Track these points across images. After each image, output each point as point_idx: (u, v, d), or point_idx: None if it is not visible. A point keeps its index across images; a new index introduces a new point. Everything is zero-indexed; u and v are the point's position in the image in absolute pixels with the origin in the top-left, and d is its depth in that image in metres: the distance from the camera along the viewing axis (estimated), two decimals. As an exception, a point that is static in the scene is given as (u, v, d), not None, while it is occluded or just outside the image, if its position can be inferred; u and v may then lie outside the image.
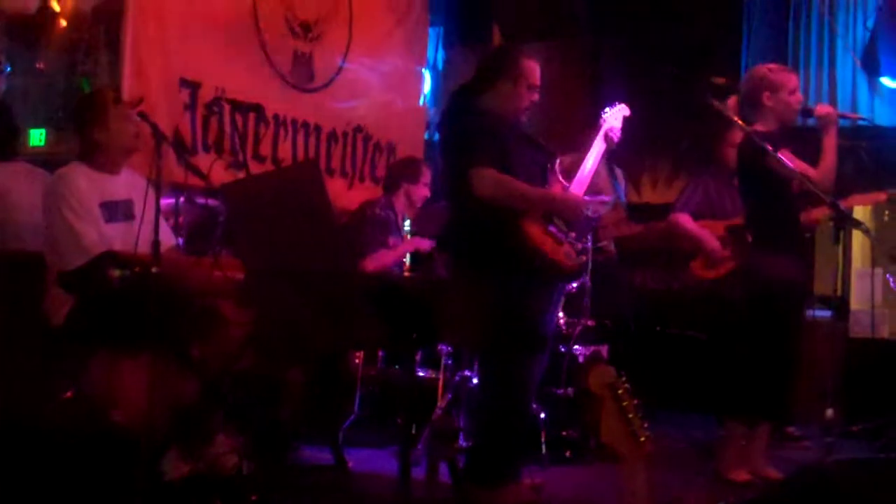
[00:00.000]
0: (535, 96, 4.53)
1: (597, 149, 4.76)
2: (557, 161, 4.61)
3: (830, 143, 4.97)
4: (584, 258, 4.43)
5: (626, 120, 4.86)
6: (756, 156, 4.92)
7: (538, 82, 4.52)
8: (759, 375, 5.06)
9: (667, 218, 6.33)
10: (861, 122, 5.93)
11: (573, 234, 4.42)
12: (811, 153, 5.02)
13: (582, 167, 4.66)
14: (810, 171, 4.92)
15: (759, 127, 5.05)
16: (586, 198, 4.55)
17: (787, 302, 5.07)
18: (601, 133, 4.82)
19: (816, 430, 5.64)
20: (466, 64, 8.29)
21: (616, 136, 4.81)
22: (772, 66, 5.27)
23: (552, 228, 4.39)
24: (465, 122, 4.43)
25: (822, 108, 5.12)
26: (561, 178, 4.57)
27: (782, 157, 4.83)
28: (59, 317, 4.15)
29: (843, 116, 5.25)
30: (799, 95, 5.15)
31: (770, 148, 4.83)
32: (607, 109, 4.90)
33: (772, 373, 5.05)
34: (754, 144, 4.91)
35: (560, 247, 4.37)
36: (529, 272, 4.29)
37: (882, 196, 6.12)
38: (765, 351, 5.06)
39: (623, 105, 4.90)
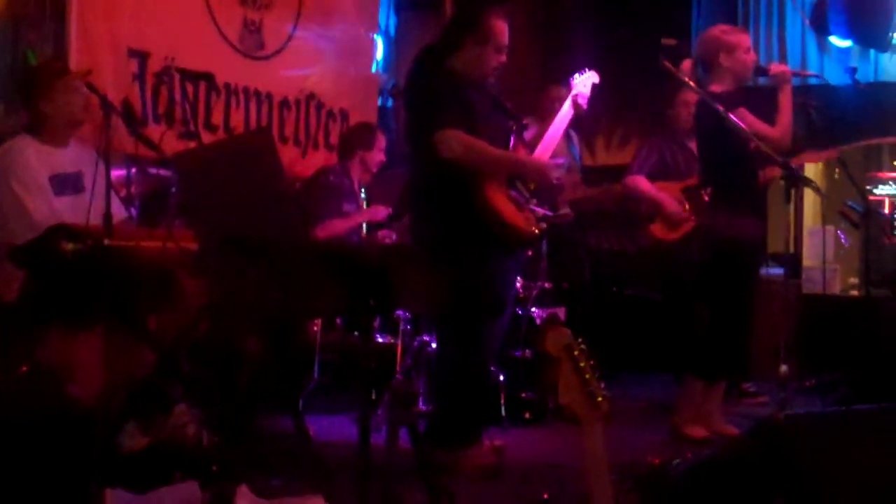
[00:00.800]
0: (503, 58, 4.48)
1: (564, 114, 4.77)
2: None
3: (786, 100, 5.04)
4: (543, 225, 4.43)
5: (594, 86, 4.88)
6: (713, 117, 4.96)
7: (506, 43, 4.46)
8: (716, 333, 5.13)
9: (622, 181, 6.36)
10: (814, 80, 5.98)
11: (534, 201, 4.43)
12: (764, 112, 5.06)
13: (549, 132, 4.68)
14: (769, 130, 4.98)
15: (715, 88, 5.09)
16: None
17: (744, 261, 5.15)
18: (569, 99, 4.83)
19: (772, 385, 5.72)
20: (419, 29, 8.26)
21: (584, 102, 4.83)
22: (724, 27, 5.33)
23: (514, 193, 4.39)
24: (431, 82, 4.38)
25: (776, 67, 5.21)
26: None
27: (736, 118, 4.87)
28: (10, 292, 4.10)
29: (796, 74, 5.33)
30: (753, 55, 5.22)
31: (723, 109, 4.87)
32: (577, 75, 4.92)
33: (729, 330, 5.12)
34: (709, 107, 4.95)
35: (521, 213, 4.37)
36: (489, 237, 4.29)
37: (834, 153, 6.19)
38: (722, 309, 5.13)
39: (593, 72, 4.92)
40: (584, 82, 4.88)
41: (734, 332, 5.16)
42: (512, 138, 4.50)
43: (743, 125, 4.88)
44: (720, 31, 5.25)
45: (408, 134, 4.70)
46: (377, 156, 6.12)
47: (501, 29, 4.44)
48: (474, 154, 4.23)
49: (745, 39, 5.24)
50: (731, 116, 4.84)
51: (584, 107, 4.81)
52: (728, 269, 5.13)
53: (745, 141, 4.95)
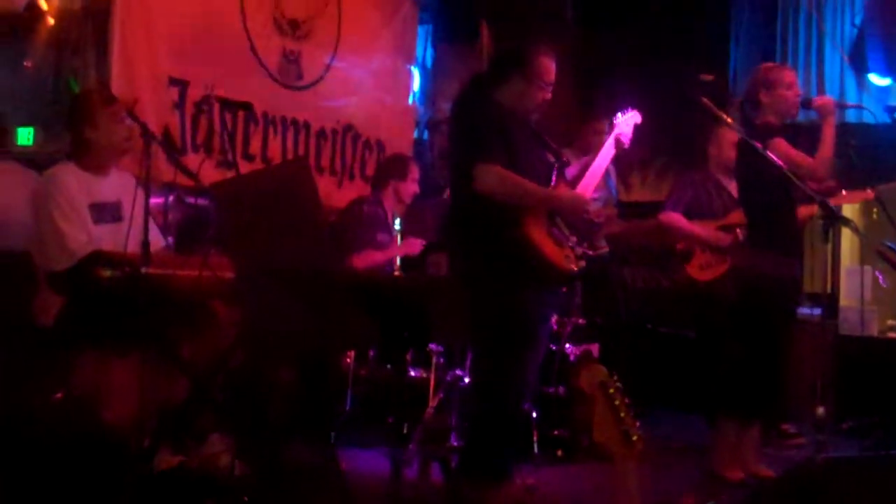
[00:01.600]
0: (548, 94, 4.49)
1: (606, 152, 4.77)
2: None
3: (829, 132, 5.02)
4: (583, 263, 4.41)
5: (635, 126, 4.88)
6: (750, 154, 4.94)
7: (552, 80, 4.46)
8: (749, 374, 5.08)
9: (657, 216, 6.33)
10: (853, 115, 5.95)
11: (574, 238, 4.41)
12: (809, 148, 5.06)
13: (591, 170, 4.67)
14: (805, 159, 4.98)
15: (756, 122, 5.09)
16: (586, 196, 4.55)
17: (777, 301, 5.10)
18: (612, 138, 4.83)
19: (809, 427, 5.65)
20: (455, 62, 8.30)
21: (627, 142, 4.83)
22: (769, 64, 5.40)
23: (554, 230, 4.37)
24: (475, 114, 4.38)
25: (820, 99, 5.21)
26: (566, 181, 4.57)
27: (772, 149, 4.86)
28: (48, 317, 4.13)
29: (840, 106, 5.34)
30: (797, 90, 5.21)
31: (760, 143, 4.85)
32: (619, 115, 4.91)
33: (762, 371, 5.07)
34: (747, 144, 4.94)
35: (560, 249, 4.35)
36: (527, 272, 4.27)
37: (869, 194, 6.14)
38: (756, 349, 5.09)
39: (635, 112, 4.91)
40: (627, 122, 4.87)
41: (768, 372, 5.10)
42: (553, 174, 4.48)
43: (779, 156, 4.87)
44: (764, 67, 5.29)
45: (450, 164, 4.69)
46: (410, 187, 6.12)
47: (548, 66, 4.44)
48: (511, 189, 4.21)
49: (788, 76, 5.23)
50: (769, 152, 4.82)
51: (626, 146, 4.80)
52: (761, 308, 5.09)
53: (783, 179, 4.92)
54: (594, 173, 4.70)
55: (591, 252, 4.83)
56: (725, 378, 5.27)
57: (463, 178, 4.27)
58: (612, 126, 4.88)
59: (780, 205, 5.09)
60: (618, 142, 4.80)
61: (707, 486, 4.90)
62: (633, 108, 4.95)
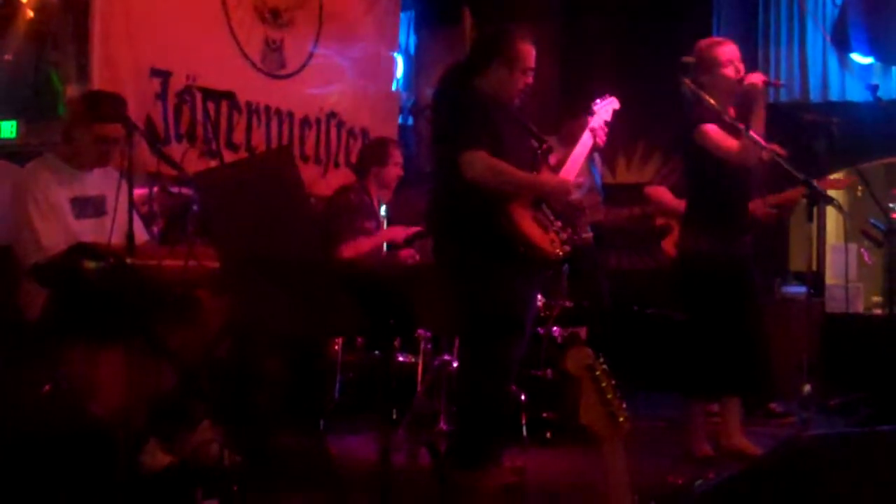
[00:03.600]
0: (529, 80, 4.48)
1: (585, 141, 4.77)
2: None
3: (759, 113, 4.87)
4: (568, 248, 4.42)
5: (614, 112, 4.87)
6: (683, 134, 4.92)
7: (533, 66, 4.46)
8: (705, 350, 5.08)
9: (645, 189, 6.35)
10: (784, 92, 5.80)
11: (559, 223, 4.42)
12: (783, 130, 5.04)
13: (572, 157, 4.67)
14: (727, 148, 4.88)
15: (693, 109, 5.01)
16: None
17: (719, 278, 5.04)
18: (591, 125, 4.83)
19: (795, 405, 5.68)
20: (438, 48, 8.29)
21: (604, 132, 4.82)
22: (705, 42, 5.16)
23: (539, 215, 4.38)
24: (458, 101, 4.38)
25: (750, 77, 4.97)
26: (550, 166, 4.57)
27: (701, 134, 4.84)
28: (33, 310, 4.12)
29: (768, 84, 5.03)
30: (737, 66, 4.99)
31: (742, 126, 4.84)
32: (598, 101, 4.90)
33: (721, 346, 5.04)
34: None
35: (546, 234, 4.36)
36: (514, 258, 4.28)
37: (854, 182, 6.17)
38: (701, 325, 5.09)
39: (613, 98, 4.90)
40: (606, 108, 4.86)
41: (726, 348, 5.04)
42: (537, 160, 4.49)
43: (707, 143, 4.85)
44: (699, 46, 5.09)
45: (433, 151, 4.69)
46: (393, 171, 6.09)
47: (528, 52, 4.44)
48: (497, 176, 4.22)
49: (724, 52, 5.01)
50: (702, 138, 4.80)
51: (604, 138, 4.78)
52: (697, 287, 5.10)
53: (723, 160, 4.91)
54: (575, 159, 4.70)
55: (575, 237, 4.84)
56: (687, 356, 5.27)
57: (447, 166, 4.28)
58: (591, 112, 4.87)
59: (722, 184, 5.01)
60: (594, 131, 4.79)
61: (693, 465, 4.92)
62: (611, 93, 4.94)
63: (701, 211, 5.12)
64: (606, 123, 4.79)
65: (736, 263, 5.08)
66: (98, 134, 4.29)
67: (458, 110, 4.32)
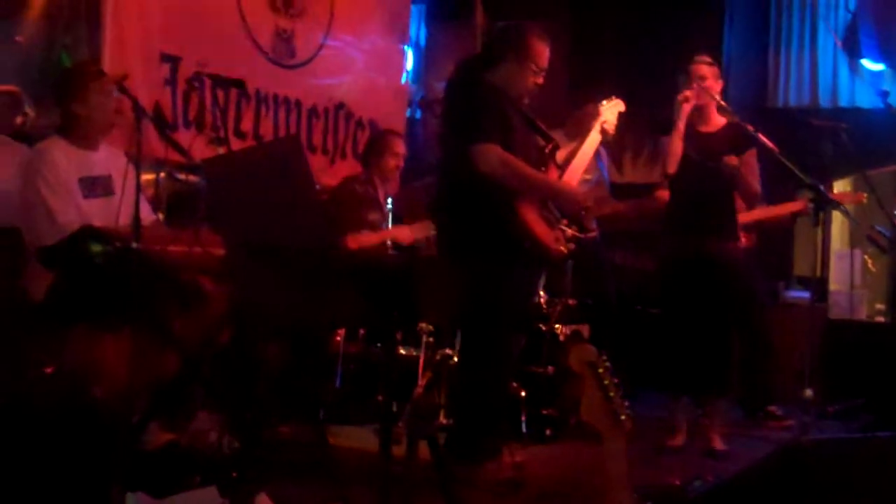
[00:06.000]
0: (540, 79, 4.48)
1: (592, 140, 4.77)
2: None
3: (679, 125, 5.16)
4: (572, 245, 4.43)
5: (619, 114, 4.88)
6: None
7: (545, 65, 4.46)
8: (675, 349, 5.27)
9: (653, 195, 6.34)
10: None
11: (564, 221, 4.42)
12: (782, 138, 5.09)
13: (577, 157, 4.67)
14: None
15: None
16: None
17: (695, 281, 5.18)
18: (597, 125, 4.82)
19: (795, 409, 5.68)
20: (449, 41, 8.28)
21: (611, 130, 4.82)
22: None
23: (545, 212, 4.38)
24: (470, 95, 4.37)
25: (682, 95, 5.23)
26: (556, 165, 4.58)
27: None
28: (38, 292, 4.12)
29: (687, 99, 5.23)
30: (711, 82, 5.23)
31: (750, 127, 4.88)
32: (604, 102, 4.90)
33: (688, 347, 5.21)
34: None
35: (552, 231, 4.37)
36: (519, 253, 4.28)
37: (862, 197, 6.18)
38: (689, 328, 5.23)
39: (619, 100, 4.90)
40: (611, 110, 4.87)
41: (705, 350, 5.20)
42: (543, 158, 4.49)
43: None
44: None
45: (441, 143, 4.68)
46: (390, 161, 6.05)
47: (542, 51, 4.44)
48: (511, 172, 4.22)
49: (698, 69, 5.24)
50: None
51: (611, 135, 4.80)
52: (667, 283, 5.34)
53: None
54: (581, 159, 4.70)
55: (580, 235, 4.85)
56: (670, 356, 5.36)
57: (457, 159, 4.27)
58: (597, 113, 4.87)
59: (672, 188, 5.24)
60: (603, 131, 4.80)
61: (691, 464, 4.92)
62: (620, 93, 4.95)
63: (682, 215, 5.30)
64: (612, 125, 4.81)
65: (704, 265, 5.19)
66: (97, 91, 4.29)
67: (473, 102, 4.31)
